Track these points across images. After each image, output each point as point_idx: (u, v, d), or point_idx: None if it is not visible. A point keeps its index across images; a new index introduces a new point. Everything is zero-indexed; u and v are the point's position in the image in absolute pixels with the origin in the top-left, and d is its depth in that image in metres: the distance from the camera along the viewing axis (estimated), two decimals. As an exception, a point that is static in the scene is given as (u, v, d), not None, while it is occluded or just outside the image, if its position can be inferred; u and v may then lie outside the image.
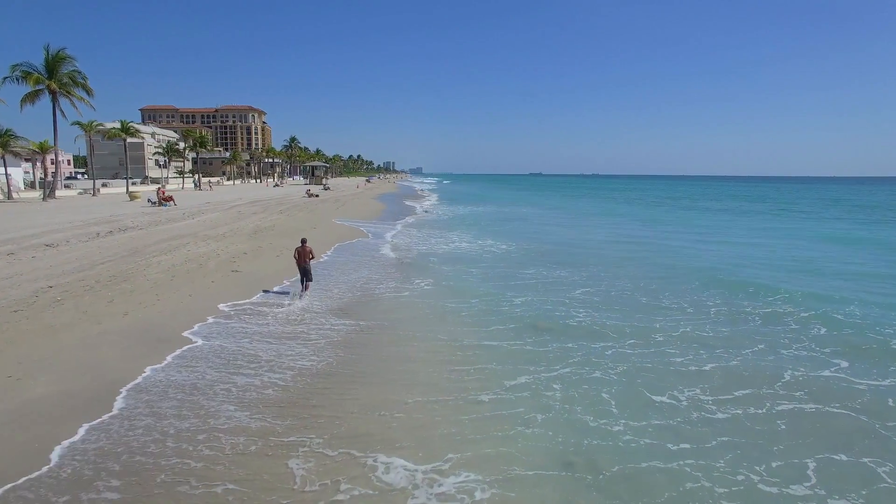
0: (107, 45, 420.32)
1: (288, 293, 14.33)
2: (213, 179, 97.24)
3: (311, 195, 55.75)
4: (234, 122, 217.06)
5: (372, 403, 7.82)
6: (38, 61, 40.15)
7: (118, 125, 59.22)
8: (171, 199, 37.91)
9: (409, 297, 14.89)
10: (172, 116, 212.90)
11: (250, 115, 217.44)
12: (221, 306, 12.72)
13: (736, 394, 8.54)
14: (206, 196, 55.14)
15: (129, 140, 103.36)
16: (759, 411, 7.95)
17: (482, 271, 19.12)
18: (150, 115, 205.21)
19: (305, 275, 14.22)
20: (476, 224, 36.75)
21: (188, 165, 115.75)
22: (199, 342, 10.12)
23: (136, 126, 55.91)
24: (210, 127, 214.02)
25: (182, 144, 78.71)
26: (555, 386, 8.69)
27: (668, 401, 8.27)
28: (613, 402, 8.13)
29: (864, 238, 32.06)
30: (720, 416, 7.78)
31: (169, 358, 9.23)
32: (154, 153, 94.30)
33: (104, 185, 76.63)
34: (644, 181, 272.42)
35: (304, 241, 14.41)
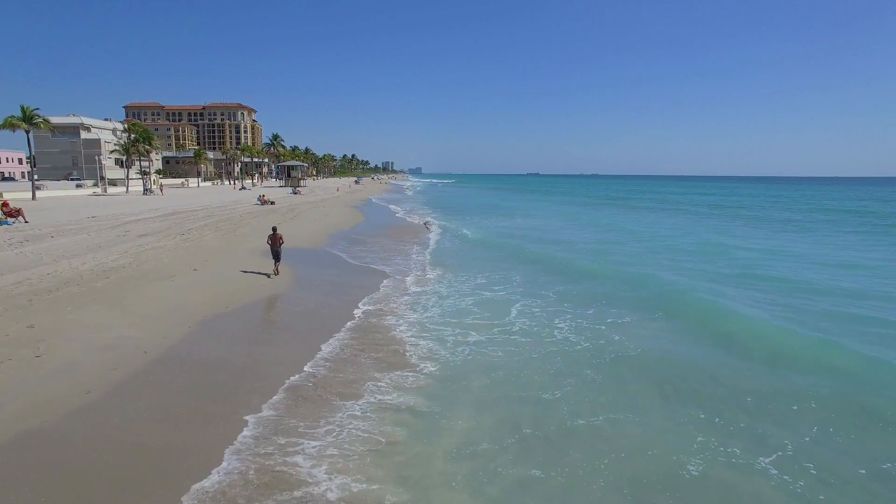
0: (95, 42, 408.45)
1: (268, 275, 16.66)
2: (173, 181, 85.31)
3: (264, 202, 43.98)
4: (222, 119, 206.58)
5: None
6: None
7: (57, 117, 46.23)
8: (18, 213, 26.07)
9: None
10: (158, 114, 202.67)
11: (239, 112, 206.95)
12: None
13: None
14: (142, 203, 43.43)
15: (84, 137, 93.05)
16: None
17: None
18: (133, 113, 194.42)
19: (276, 256, 17.11)
20: (490, 259, 23.14)
21: (156, 165, 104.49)
22: None
23: (43, 116, 43.81)
24: (197, 125, 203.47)
25: (127, 138, 66.35)
26: None
27: None
28: None
29: None
30: None
31: None
32: (112, 151, 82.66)
33: (39, 187, 65.13)
34: (649, 182, 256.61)
35: (274, 229, 17.27)
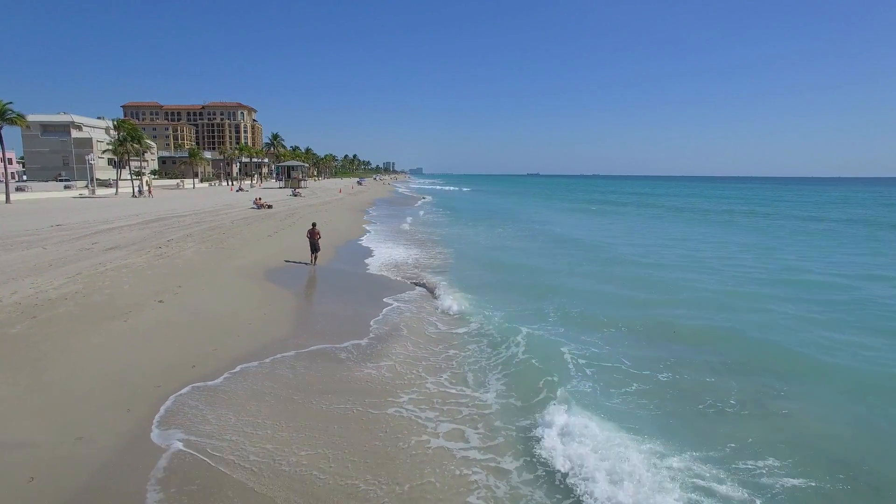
0: (94, 42, 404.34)
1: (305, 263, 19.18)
2: (167, 182, 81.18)
3: (260, 205, 39.76)
4: (221, 119, 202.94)
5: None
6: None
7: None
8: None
9: None
10: (156, 114, 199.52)
11: (239, 112, 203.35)
12: None
13: None
14: (127, 207, 39.29)
15: (75, 135, 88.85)
16: None
17: None
18: (132, 112, 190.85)
19: (315, 248, 19.47)
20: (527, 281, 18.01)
21: (152, 165, 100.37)
22: None
23: (17, 111, 39.63)
24: (196, 125, 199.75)
25: (115, 136, 62.27)
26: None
27: None
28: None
29: None
30: None
31: None
32: (104, 151, 78.59)
33: (19, 188, 61.05)
34: (653, 183, 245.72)
35: (314, 225, 20.04)
